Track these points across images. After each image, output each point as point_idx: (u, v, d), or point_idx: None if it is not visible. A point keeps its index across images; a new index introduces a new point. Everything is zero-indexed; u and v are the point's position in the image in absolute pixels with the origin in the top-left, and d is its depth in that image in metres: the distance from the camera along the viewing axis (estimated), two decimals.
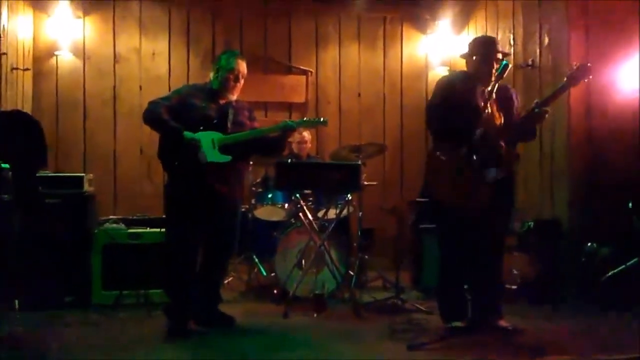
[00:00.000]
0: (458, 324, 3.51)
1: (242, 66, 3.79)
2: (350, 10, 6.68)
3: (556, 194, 4.96)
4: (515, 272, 4.50)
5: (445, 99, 3.55)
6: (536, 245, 4.59)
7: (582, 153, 4.80)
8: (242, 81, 3.80)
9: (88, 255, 4.31)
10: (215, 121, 3.68)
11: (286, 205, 4.91)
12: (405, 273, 4.92)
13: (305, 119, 4.21)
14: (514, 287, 4.44)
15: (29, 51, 5.95)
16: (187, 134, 3.56)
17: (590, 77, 3.37)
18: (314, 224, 4.57)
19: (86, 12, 6.23)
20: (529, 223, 4.67)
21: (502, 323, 3.57)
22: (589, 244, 4.40)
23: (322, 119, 3.99)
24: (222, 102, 3.77)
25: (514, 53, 5.55)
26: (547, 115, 3.44)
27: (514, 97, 3.65)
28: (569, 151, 4.82)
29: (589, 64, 3.37)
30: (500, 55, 3.55)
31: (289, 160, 4.66)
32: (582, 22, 4.79)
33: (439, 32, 6.77)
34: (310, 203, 4.80)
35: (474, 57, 3.60)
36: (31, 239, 4.13)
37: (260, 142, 3.77)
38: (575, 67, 3.38)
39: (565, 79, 3.38)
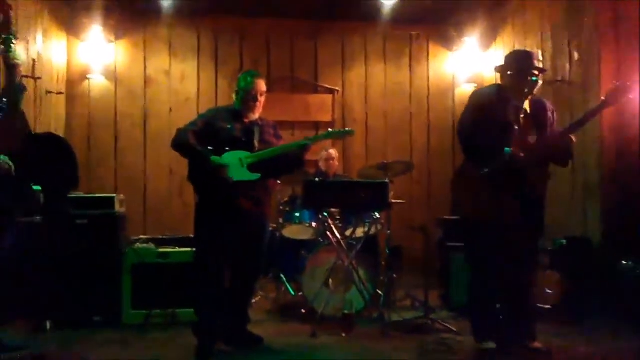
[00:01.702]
0: (490, 345, 3.43)
1: (260, 85, 3.84)
2: (376, 29, 6.71)
3: (588, 210, 4.85)
4: (547, 291, 4.40)
5: (477, 113, 3.48)
6: (568, 263, 4.48)
7: (614, 168, 4.70)
8: (261, 99, 3.84)
9: (118, 275, 4.36)
10: (242, 140, 3.73)
11: (314, 224, 4.89)
12: (434, 292, 4.85)
13: (330, 130, 4.20)
14: (547, 306, 4.34)
15: (62, 75, 6.13)
16: (214, 158, 3.60)
17: (631, 95, 3.27)
18: (342, 243, 4.55)
19: (117, 37, 6.40)
20: (561, 241, 4.57)
21: (536, 345, 3.48)
22: (624, 262, 4.27)
23: (347, 129, 4.01)
24: (246, 121, 3.82)
25: None
26: (573, 142, 3.36)
27: (549, 112, 3.52)
28: (601, 166, 4.72)
29: (628, 83, 3.28)
30: (535, 71, 3.44)
31: (316, 179, 4.67)
32: (613, 35, 4.72)
33: (466, 48, 6.75)
34: (337, 221, 4.78)
35: (509, 72, 3.51)
36: (62, 259, 4.20)
37: (278, 160, 3.78)
38: (614, 86, 3.28)
39: (602, 98, 3.31)
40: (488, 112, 3.43)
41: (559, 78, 5.19)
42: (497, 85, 3.69)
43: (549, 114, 3.53)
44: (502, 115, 3.40)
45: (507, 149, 3.32)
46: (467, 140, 3.53)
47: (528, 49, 5.69)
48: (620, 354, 3.59)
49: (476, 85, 6.74)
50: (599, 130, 4.71)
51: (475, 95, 3.65)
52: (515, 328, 3.51)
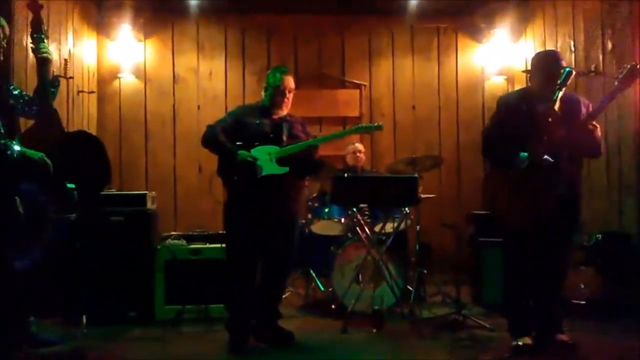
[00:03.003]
0: (526, 340, 3.39)
1: (289, 81, 3.85)
2: (403, 23, 6.64)
3: (624, 205, 4.74)
4: (582, 287, 4.32)
5: (501, 120, 3.51)
6: (604, 259, 4.39)
7: None
8: (289, 96, 3.86)
9: (151, 271, 4.42)
10: (271, 135, 3.75)
11: (343, 219, 4.88)
12: (465, 288, 4.80)
13: (359, 125, 4.21)
14: (582, 302, 4.26)
15: (93, 75, 6.22)
16: (242, 153, 3.62)
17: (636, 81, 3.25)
18: (371, 238, 4.53)
19: (146, 36, 6.46)
20: (597, 236, 4.47)
21: (562, 337, 3.45)
22: None
23: (376, 124, 3.99)
24: (275, 117, 3.84)
25: (575, 59, 5.37)
26: (597, 130, 3.30)
27: (583, 108, 3.46)
28: (637, 160, 4.60)
29: (638, 65, 3.25)
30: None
31: (345, 174, 4.66)
32: None
33: (495, 40, 6.63)
34: (366, 217, 4.77)
35: (536, 74, 3.48)
36: (96, 256, 4.27)
37: (301, 160, 3.76)
38: (624, 70, 3.26)
39: (616, 83, 3.26)
40: (513, 118, 3.43)
41: (592, 69, 5.07)
42: (522, 90, 3.67)
43: (583, 109, 3.46)
44: (528, 119, 3.38)
45: (523, 154, 3.31)
46: (488, 147, 3.56)
47: (558, 39, 5.66)
48: None
49: (505, 77, 6.65)
50: (634, 121, 4.60)
51: (501, 101, 3.66)
52: (547, 322, 3.47)
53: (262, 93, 3.95)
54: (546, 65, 3.42)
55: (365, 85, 6.69)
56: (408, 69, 6.77)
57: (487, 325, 4.04)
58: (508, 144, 3.39)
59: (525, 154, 3.31)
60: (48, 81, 3.34)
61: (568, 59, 5.41)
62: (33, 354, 3.40)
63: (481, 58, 6.78)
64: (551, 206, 3.28)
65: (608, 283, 4.32)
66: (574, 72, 3.35)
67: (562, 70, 3.35)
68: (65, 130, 4.39)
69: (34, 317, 3.56)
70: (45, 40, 3.33)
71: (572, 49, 5.45)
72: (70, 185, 3.47)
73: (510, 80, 6.65)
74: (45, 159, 3.16)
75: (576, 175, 3.47)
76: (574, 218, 3.50)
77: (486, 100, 6.71)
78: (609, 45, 4.93)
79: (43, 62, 3.31)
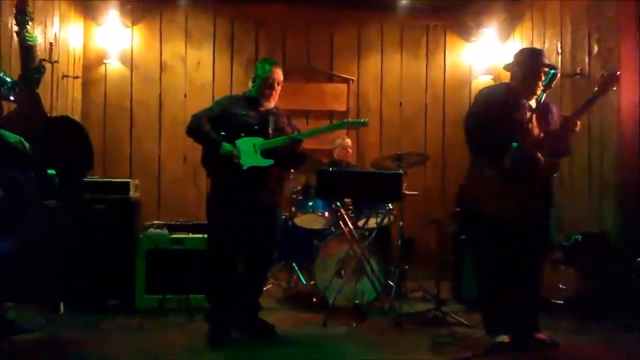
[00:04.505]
0: (503, 338, 3.42)
1: (277, 74, 3.82)
2: (393, 19, 6.65)
3: (605, 206, 4.80)
4: (561, 286, 4.37)
5: (484, 112, 3.48)
6: (583, 259, 4.44)
7: (632, 164, 4.63)
8: (278, 88, 3.84)
9: (132, 260, 4.39)
10: (256, 127, 3.73)
11: (326, 213, 4.89)
12: (446, 284, 4.84)
13: (346, 120, 4.20)
14: (560, 302, 4.31)
15: (79, 59, 6.14)
16: (226, 146, 3.60)
17: (615, 87, 3.30)
18: (354, 233, 4.54)
19: (134, 22, 6.39)
20: (576, 236, 4.53)
21: (540, 336, 3.49)
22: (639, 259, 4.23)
23: (362, 120, 3.96)
24: (261, 109, 3.82)
25: (561, 62, 5.42)
26: (576, 129, 3.35)
27: (553, 109, 3.53)
28: (619, 162, 4.66)
29: (617, 73, 3.34)
30: (546, 68, 3.43)
31: (330, 168, 4.66)
32: (633, 30, 4.64)
33: (484, 40, 6.67)
34: (350, 212, 4.78)
35: (518, 69, 3.50)
36: (77, 244, 4.22)
37: (285, 153, 3.75)
38: (605, 76, 3.31)
39: (596, 88, 3.30)
40: (496, 111, 3.42)
41: (578, 71, 5.12)
42: (505, 84, 3.69)
43: (553, 110, 3.52)
44: (510, 113, 3.40)
45: (514, 143, 3.32)
46: (475, 138, 3.52)
47: (545, 41, 5.70)
48: (632, 351, 3.55)
49: (493, 77, 6.69)
50: (616, 124, 4.65)
51: (482, 94, 3.62)
52: (523, 320, 3.50)
53: (250, 84, 3.92)
54: (529, 61, 3.45)
55: (353, 80, 6.70)
56: (396, 65, 6.78)
57: (466, 322, 4.07)
58: (499, 137, 3.36)
59: (515, 143, 3.31)
60: (32, 67, 3.29)
61: (555, 62, 5.46)
62: (10, 341, 3.37)
63: (469, 57, 6.82)
64: (526, 202, 3.31)
65: (587, 283, 4.38)
66: (558, 74, 3.38)
67: (546, 70, 3.38)
68: (49, 115, 4.33)
69: (12, 302, 3.52)
70: (30, 23, 3.28)
71: (559, 51, 5.49)
72: (51, 171, 3.43)
73: (497, 79, 6.66)
74: (24, 142, 3.11)
75: (551, 171, 3.48)
76: (547, 216, 3.51)
77: (473, 99, 6.71)
78: (595, 49, 4.98)
79: (27, 49, 3.26)
